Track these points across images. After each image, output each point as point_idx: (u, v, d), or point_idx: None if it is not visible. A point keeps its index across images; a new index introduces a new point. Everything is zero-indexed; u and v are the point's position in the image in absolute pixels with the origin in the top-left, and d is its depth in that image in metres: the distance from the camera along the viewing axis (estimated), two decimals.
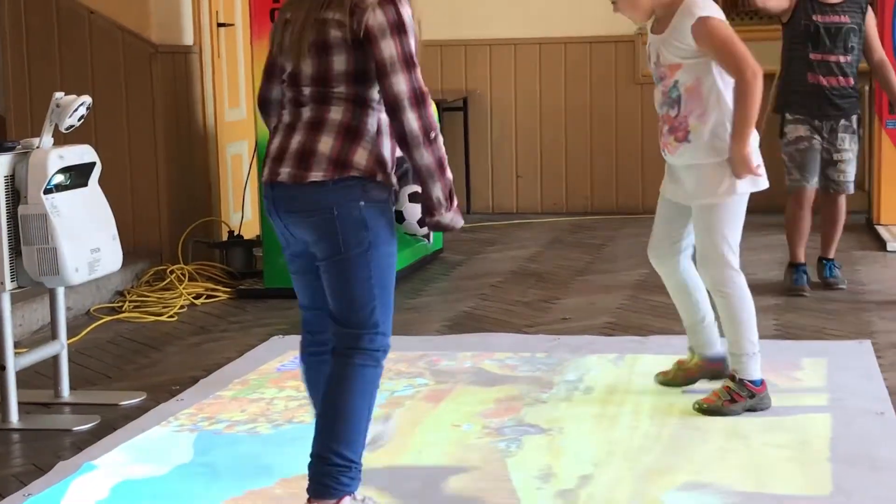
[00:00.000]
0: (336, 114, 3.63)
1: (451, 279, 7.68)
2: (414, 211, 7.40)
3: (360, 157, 3.62)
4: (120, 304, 6.97)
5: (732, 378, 4.77)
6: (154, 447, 4.58)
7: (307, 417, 4.71)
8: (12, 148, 4.90)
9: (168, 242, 7.63)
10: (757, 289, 6.97)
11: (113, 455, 4.48)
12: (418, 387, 5.22)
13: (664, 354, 5.54)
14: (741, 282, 4.75)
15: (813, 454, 4.34)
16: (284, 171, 3.64)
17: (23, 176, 4.83)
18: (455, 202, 3.72)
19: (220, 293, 7.24)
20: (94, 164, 5.09)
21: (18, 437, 4.82)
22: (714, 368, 4.96)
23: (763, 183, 4.72)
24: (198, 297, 7.14)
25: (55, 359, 5.24)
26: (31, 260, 4.83)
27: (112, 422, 4.91)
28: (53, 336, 5.23)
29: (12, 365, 4.93)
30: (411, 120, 3.59)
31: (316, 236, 3.65)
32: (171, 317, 6.76)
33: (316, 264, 3.72)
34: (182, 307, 6.94)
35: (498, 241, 9.02)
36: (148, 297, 7.07)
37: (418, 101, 3.59)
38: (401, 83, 3.58)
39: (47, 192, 4.83)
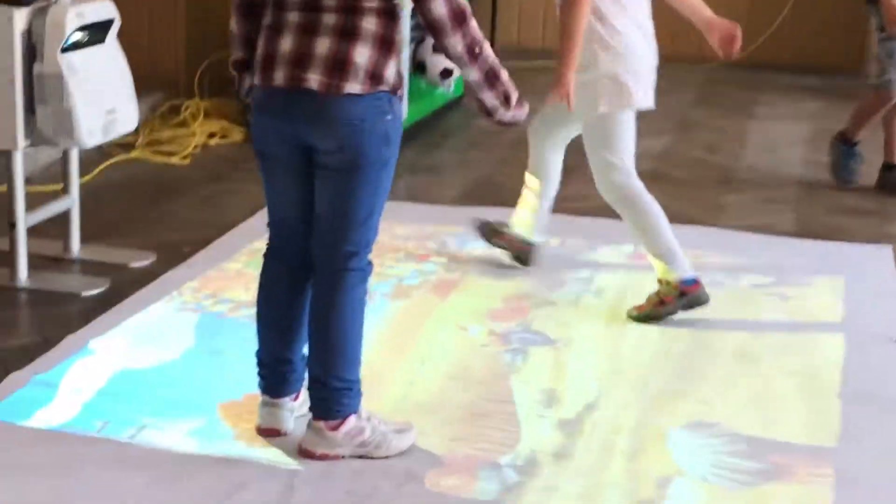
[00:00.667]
0: (369, 24, 3.43)
1: (470, 133, 7.54)
2: (436, 61, 7.26)
3: (391, 71, 3.48)
4: (133, 139, 6.86)
5: (660, 282, 4.74)
6: (156, 329, 4.52)
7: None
8: (30, 2, 4.73)
9: (185, 73, 7.48)
10: (779, 178, 6.90)
11: (115, 336, 4.43)
12: (426, 275, 5.14)
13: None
14: (633, 187, 4.69)
15: (822, 387, 4.28)
16: (313, 79, 3.40)
17: (40, 33, 4.68)
18: (515, 99, 3.65)
19: (234, 133, 7.12)
20: (112, 20, 4.93)
21: (27, 299, 4.78)
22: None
23: (634, 102, 4.60)
24: (212, 135, 7.03)
25: (66, 213, 5.17)
26: (45, 120, 4.71)
27: (120, 287, 4.86)
28: (64, 190, 5.16)
29: (23, 223, 4.86)
30: (455, 43, 3.48)
31: (336, 146, 3.46)
32: (184, 158, 6.66)
33: (315, 175, 3.53)
34: (195, 147, 6.84)
35: (522, 88, 8.80)
36: (161, 133, 6.96)
37: (459, 20, 3.46)
38: (440, 6, 3.43)
39: (64, 50, 4.69)
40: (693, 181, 6.76)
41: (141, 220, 5.72)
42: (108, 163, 6.44)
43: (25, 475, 3.50)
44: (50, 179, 5.76)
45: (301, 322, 3.69)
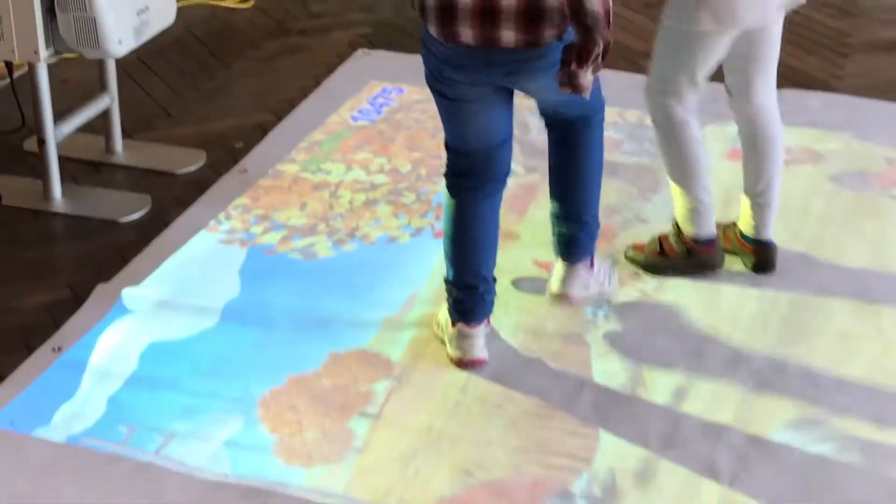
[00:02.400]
0: None
1: None
2: None
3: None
4: None
5: (675, 226, 4.03)
6: (198, 275, 4.04)
7: (370, 230, 4.29)
8: None
9: None
10: None
11: (151, 286, 3.95)
12: None
13: (798, 126, 4.85)
14: (671, 117, 3.84)
15: None
16: (507, 36, 3.19)
17: None
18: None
19: None
20: None
21: (61, 229, 4.32)
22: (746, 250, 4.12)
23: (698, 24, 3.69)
24: None
25: (105, 113, 4.67)
26: (66, 28, 4.15)
27: (163, 207, 4.39)
28: (102, 87, 4.64)
29: (52, 139, 4.36)
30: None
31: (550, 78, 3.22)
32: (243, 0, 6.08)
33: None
34: None
35: None
36: None
37: None
38: None
39: None
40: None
41: (192, 97, 5.20)
42: None
43: None
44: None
45: (497, 236, 3.65)
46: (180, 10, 5.86)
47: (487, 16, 3.16)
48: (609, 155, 4.20)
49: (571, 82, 3.10)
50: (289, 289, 3.97)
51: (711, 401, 3.51)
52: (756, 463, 3.27)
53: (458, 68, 3.29)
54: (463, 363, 3.60)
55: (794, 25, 5.79)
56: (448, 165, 3.56)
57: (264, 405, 3.47)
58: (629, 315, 3.86)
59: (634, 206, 4.43)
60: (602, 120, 3.69)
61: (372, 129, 4.93)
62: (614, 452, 3.31)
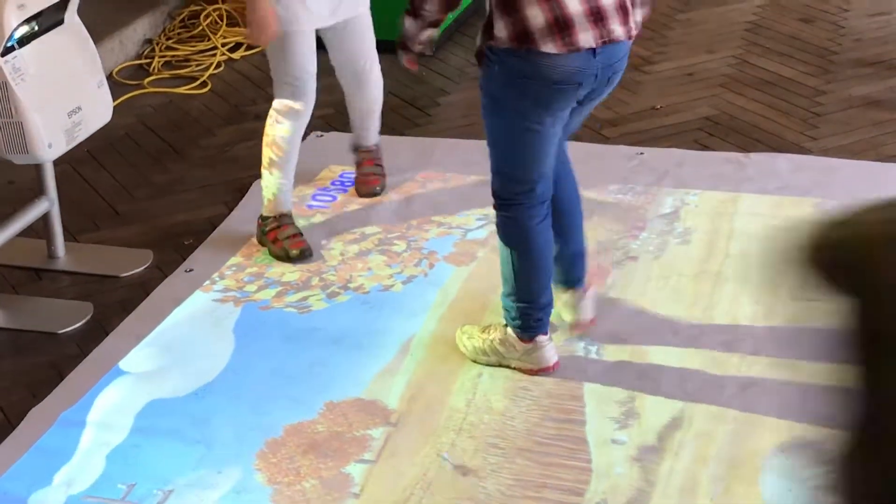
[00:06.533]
0: None
1: None
2: None
3: None
4: (149, 60, 6.11)
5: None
6: (192, 333, 4.03)
7: (364, 280, 4.26)
8: None
9: None
10: None
11: (146, 349, 3.95)
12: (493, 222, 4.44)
13: (766, 194, 4.68)
14: None
15: None
16: (617, 30, 3.42)
17: None
18: None
19: None
20: None
21: None
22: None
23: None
24: (236, 47, 6.24)
25: (45, 217, 4.47)
26: None
27: (104, 315, 4.18)
28: (40, 190, 4.45)
29: None
30: None
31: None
32: (201, 86, 5.89)
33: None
34: (216, 67, 6.07)
35: None
36: (178, 49, 6.19)
37: None
38: None
39: (7, 51, 3.93)
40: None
41: (142, 193, 5.00)
42: (115, 102, 5.64)
43: None
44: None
45: None
46: (134, 100, 5.77)
47: (597, 16, 3.38)
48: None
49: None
50: (283, 342, 3.98)
51: (705, 424, 3.53)
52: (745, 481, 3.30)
53: (575, 85, 3.41)
54: (548, 370, 3.77)
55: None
56: (523, 201, 3.64)
57: (261, 457, 3.48)
58: (622, 349, 3.87)
59: (623, 243, 4.43)
60: None
61: (327, 209, 4.80)
62: (608, 482, 3.33)
